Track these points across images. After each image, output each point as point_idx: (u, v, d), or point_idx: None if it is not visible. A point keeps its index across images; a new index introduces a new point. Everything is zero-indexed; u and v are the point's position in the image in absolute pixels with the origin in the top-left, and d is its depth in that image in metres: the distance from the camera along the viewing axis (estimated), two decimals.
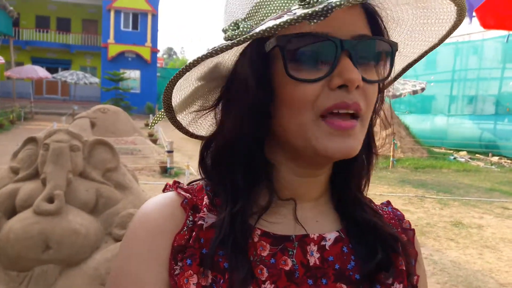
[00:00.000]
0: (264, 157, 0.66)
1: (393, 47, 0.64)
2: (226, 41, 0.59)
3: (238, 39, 0.57)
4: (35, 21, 33.21)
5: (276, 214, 0.67)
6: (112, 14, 30.96)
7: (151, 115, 23.71)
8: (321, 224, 0.70)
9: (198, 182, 0.73)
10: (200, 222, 0.64)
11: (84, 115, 9.95)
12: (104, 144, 3.71)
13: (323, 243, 0.67)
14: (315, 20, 0.52)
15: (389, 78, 0.66)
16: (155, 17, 32.23)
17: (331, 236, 0.68)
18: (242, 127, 0.63)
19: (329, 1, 0.51)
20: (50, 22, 33.82)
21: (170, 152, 10.00)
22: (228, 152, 0.65)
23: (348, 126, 0.60)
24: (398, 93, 12.41)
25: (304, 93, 0.59)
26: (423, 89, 13.48)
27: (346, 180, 0.71)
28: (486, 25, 3.91)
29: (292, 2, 0.60)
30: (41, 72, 25.29)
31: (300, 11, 0.53)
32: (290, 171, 0.67)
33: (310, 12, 0.52)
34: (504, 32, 15.00)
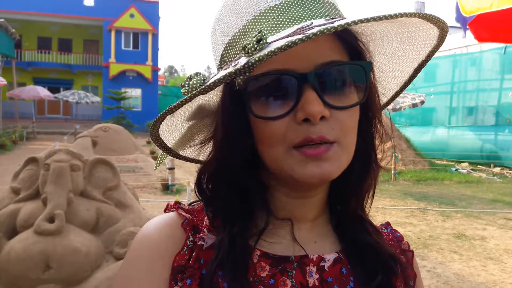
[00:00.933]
0: (258, 181, 0.67)
1: (366, 68, 0.64)
2: (183, 94, 0.62)
3: (183, 99, 0.60)
4: (37, 43, 33.58)
5: (274, 235, 0.68)
6: (113, 34, 31.31)
7: None
8: (320, 245, 0.70)
9: (199, 202, 0.73)
10: (200, 242, 0.65)
11: (85, 134, 10.01)
12: (104, 163, 3.74)
13: (322, 264, 0.67)
14: (241, 77, 0.55)
15: (365, 98, 0.65)
16: (155, 36, 32.56)
17: (330, 257, 0.69)
18: (230, 158, 0.66)
19: (258, 55, 0.53)
20: (52, 43, 34.19)
21: (171, 169, 10.01)
22: (224, 177, 0.67)
23: (319, 152, 0.60)
24: (397, 107, 12.47)
25: (272, 129, 0.61)
26: (422, 102, 13.53)
27: (344, 200, 0.72)
28: (480, 38, 3.96)
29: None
30: (43, 92, 25.47)
31: (242, 60, 0.55)
32: (283, 193, 0.69)
33: (233, 70, 0.54)
34: (501, 44, 15.14)
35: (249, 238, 0.65)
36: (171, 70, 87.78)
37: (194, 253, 0.64)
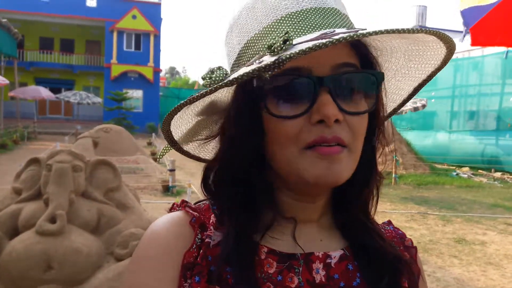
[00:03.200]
0: (264, 181, 0.68)
1: (378, 77, 0.66)
2: (204, 86, 0.63)
3: (204, 90, 0.61)
4: (39, 43, 33.65)
5: (279, 232, 0.69)
6: (115, 35, 31.37)
7: (153, 134, 23.81)
8: (325, 243, 0.72)
9: (205, 202, 0.75)
10: (207, 240, 0.66)
11: (86, 135, 10.01)
12: (106, 164, 3.74)
13: (328, 260, 0.69)
14: (270, 72, 0.56)
15: (374, 106, 0.67)
16: (157, 37, 32.62)
17: (336, 254, 0.70)
18: (238, 156, 0.67)
19: (287, 53, 0.55)
20: (54, 44, 34.26)
21: (172, 170, 10.02)
22: (231, 174, 0.68)
23: (332, 151, 0.62)
24: (399, 110, 12.47)
25: (287, 128, 0.62)
26: (424, 106, 13.52)
27: (348, 205, 0.73)
28: (480, 43, 3.98)
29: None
30: (44, 92, 25.49)
31: (267, 59, 0.57)
32: (288, 196, 0.70)
33: (263, 66, 0.55)
34: (503, 48, 15.14)
35: (254, 233, 0.66)
36: (172, 71, 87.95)
37: (201, 251, 0.65)
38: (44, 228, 3.13)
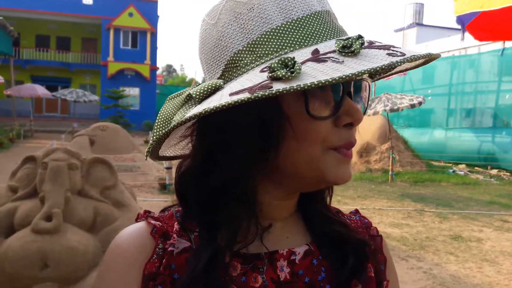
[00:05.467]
0: (255, 184, 0.66)
1: (371, 86, 0.69)
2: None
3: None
4: (35, 41, 33.52)
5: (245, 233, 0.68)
6: (111, 32, 31.28)
7: (150, 132, 23.76)
8: (291, 239, 0.71)
9: (169, 208, 0.74)
10: (170, 248, 0.65)
11: (83, 133, 10.00)
12: (102, 162, 3.74)
13: (292, 257, 0.68)
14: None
15: (366, 110, 0.70)
16: (154, 35, 32.54)
17: (300, 250, 0.69)
18: (241, 160, 0.62)
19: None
20: (50, 41, 34.14)
21: (168, 168, 10.00)
22: (223, 182, 0.64)
23: (350, 154, 0.65)
24: (395, 107, 12.48)
25: (318, 129, 0.61)
26: (420, 103, 13.53)
27: (310, 198, 0.74)
28: (479, 37, 4.01)
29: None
30: (40, 90, 25.41)
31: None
32: (270, 195, 0.68)
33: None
34: (499, 46, 15.20)
35: (230, 250, 0.64)
36: (169, 69, 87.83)
37: (164, 260, 0.64)
38: (40, 226, 3.13)
